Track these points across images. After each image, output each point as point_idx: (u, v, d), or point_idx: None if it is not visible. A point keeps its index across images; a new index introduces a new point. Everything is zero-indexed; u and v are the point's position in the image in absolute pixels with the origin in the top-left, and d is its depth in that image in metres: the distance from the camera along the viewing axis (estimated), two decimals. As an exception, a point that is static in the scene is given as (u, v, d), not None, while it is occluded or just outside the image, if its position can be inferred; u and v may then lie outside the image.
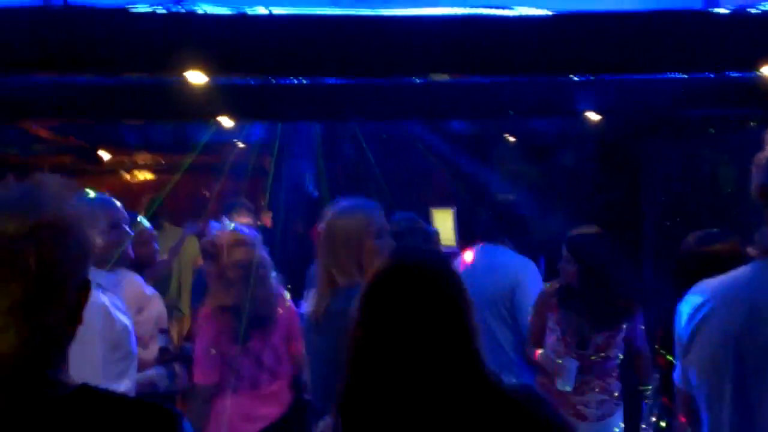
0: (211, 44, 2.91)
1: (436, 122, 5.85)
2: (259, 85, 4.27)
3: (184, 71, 2.99)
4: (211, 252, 3.57)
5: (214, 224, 3.70)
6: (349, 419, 1.50)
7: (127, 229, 3.34)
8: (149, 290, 3.70)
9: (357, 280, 2.55)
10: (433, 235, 4.24)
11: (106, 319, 2.69)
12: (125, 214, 3.34)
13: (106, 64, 2.93)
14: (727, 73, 3.20)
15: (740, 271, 1.65)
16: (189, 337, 4.30)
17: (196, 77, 3.11)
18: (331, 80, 4.37)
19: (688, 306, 1.70)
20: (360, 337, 1.51)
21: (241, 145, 6.85)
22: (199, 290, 4.23)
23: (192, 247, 5.83)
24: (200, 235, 4.63)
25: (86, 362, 2.56)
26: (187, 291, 5.99)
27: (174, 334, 5.06)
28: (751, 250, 1.82)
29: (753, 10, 2.70)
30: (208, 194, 6.97)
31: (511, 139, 6.40)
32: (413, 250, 1.83)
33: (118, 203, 3.32)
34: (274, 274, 3.63)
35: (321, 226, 2.84)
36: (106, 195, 3.38)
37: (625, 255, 4.18)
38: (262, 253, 3.59)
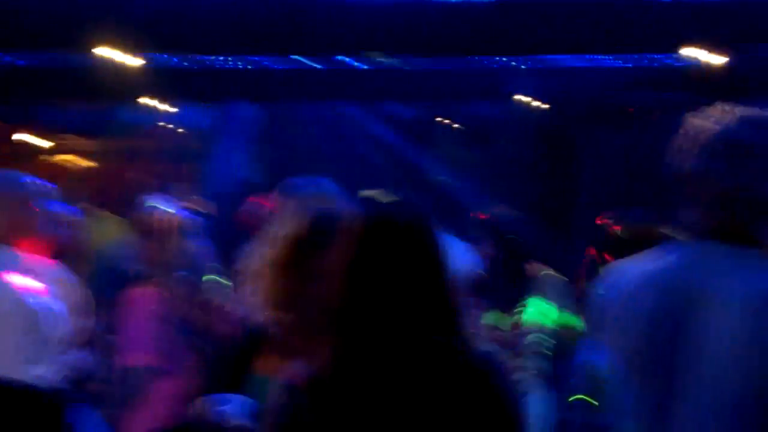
0: (128, 20, 2.79)
1: (375, 106, 5.80)
2: (192, 67, 4.15)
3: (95, 47, 2.85)
4: (143, 232, 3.46)
5: (151, 206, 3.58)
6: (330, 379, 1.48)
7: (43, 208, 3.17)
8: (65, 274, 3.54)
9: None
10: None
11: (13, 303, 2.57)
12: (35, 190, 3.15)
13: (17, 41, 2.79)
14: (650, 54, 3.23)
15: (664, 251, 1.63)
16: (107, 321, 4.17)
17: (115, 55, 2.98)
18: (267, 62, 4.29)
19: (606, 286, 1.68)
20: (347, 291, 1.50)
21: (173, 128, 6.66)
22: (108, 274, 4.09)
23: (106, 230, 5.57)
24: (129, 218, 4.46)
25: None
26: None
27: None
28: (670, 231, 1.82)
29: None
30: (138, 178, 6.77)
31: (452, 124, 6.39)
32: (397, 205, 1.79)
33: (29, 179, 3.14)
34: (214, 262, 3.56)
35: (279, 203, 2.75)
36: (13, 171, 3.19)
37: (558, 237, 4.22)
38: (202, 238, 3.52)
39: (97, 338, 3.54)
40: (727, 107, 1.58)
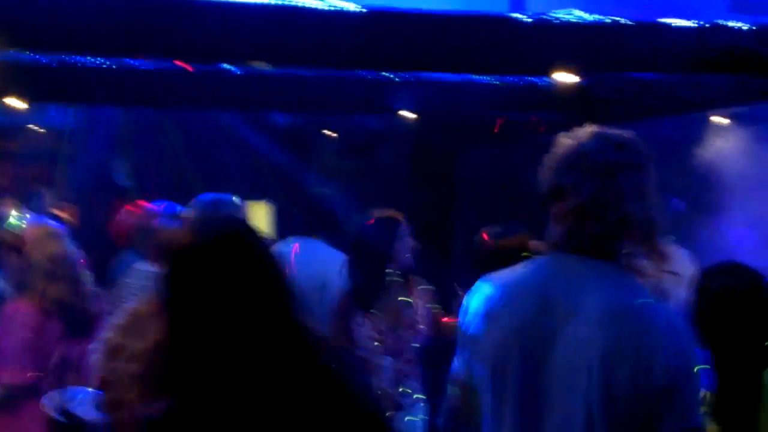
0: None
1: (252, 114, 5.71)
2: (55, 65, 3.92)
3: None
4: (13, 245, 3.30)
5: (15, 217, 3.43)
6: (165, 385, 1.38)
7: None
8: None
9: None
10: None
11: None
12: None
13: None
14: (526, 77, 3.35)
15: (529, 264, 1.68)
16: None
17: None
18: (137, 62, 4.11)
19: (475, 298, 1.71)
20: (171, 318, 1.39)
21: (37, 129, 6.29)
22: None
23: None
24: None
25: None
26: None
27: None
28: (537, 245, 1.89)
29: (552, 18, 2.85)
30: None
31: (330, 134, 6.40)
32: (215, 222, 1.68)
33: None
34: (87, 271, 3.42)
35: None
36: None
37: (436, 251, 4.29)
38: (72, 247, 3.39)
39: None
40: (591, 128, 1.66)
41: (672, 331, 1.50)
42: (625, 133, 1.65)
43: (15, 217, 3.33)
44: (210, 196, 2.71)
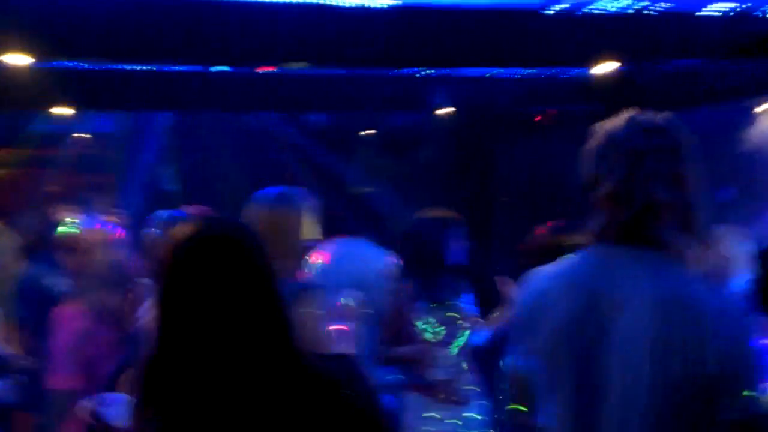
0: (34, 24, 2.68)
1: (293, 114, 5.77)
2: (98, 72, 4.02)
3: (4, 54, 2.74)
4: (70, 249, 3.31)
5: (73, 221, 3.45)
6: (152, 396, 1.40)
7: None
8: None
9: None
10: None
11: None
12: None
13: None
14: (564, 69, 3.33)
15: (576, 258, 1.68)
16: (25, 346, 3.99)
17: (19, 60, 2.86)
18: (179, 68, 4.20)
19: (526, 291, 1.71)
20: (164, 312, 1.41)
21: (84, 136, 6.45)
22: (28, 296, 3.91)
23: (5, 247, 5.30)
24: (30, 231, 4.29)
25: None
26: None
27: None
28: (579, 238, 1.87)
29: (584, 10, 2.83)
30: (45, 189, 6.51)
31: (369, 133, 6.42)
32: (215, 220, 1.70)
33: None
34: (145, 280, 3.42)
35: (253, 217, 2.64)
36: None
37: (475, 244, 4.28)
38: (131, 253, 3.37)
39: (19, 362, 3.37)
40: (626, 114, 1.65)
41: (724, 317, 1.48)
42: (660, 118, 1.62)
43: (69, 223, 3.35)
44: (274, 190, 2.69)
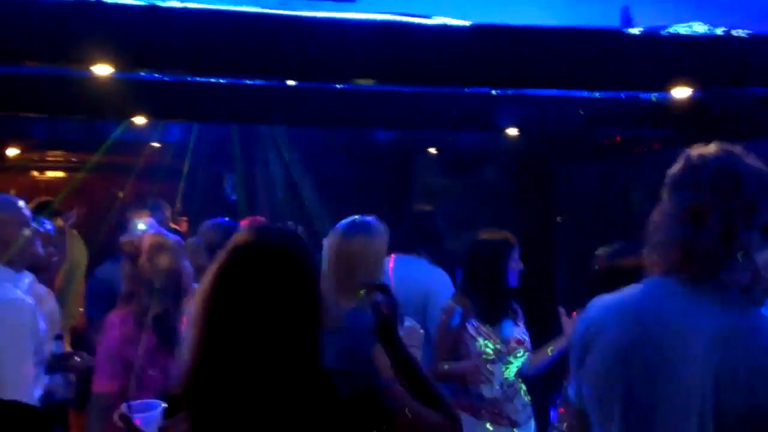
0: (118, 36, 2.78)
1: (357, 130, 5.82)
2: (174, 83, 4.14)
3: (91, 64, 2.85)
4: (130, 253, 3.37)
5: (139, 227, 3.51)
6: (193, 399, 1.43)
7: (35, 229, 3.15)
8: (44, 292, 3.50)
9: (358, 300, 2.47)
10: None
11: (33, 321, 2.54)
12: (28, 213, 3.15)
13: (5, 52, 2.77)
14: (639, 92, 3.28)
15: (633, 288, 1.67)
16: (79, 345, 4.09)
17: (103, 70, 2.97)
18: (249, 81, 4.29)
19: (582, 321, 1.71)
20: (212, 313, 1.45)
21: (156, 145, 6.65)
22: (96, 296, 4.02)
23: (79, 249, 5.49)
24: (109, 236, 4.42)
25: (16, 362, 2.42)
26: (73, 295, 5.64)
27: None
28: (638, 262, 1.85)
29: (664, 32, 2.78)
30: (119, 195, 6.71)
31: (432, 151, 6.43)
32: (270, 229, 1.73)
33: (22, 203, 3.14)
34: (196, 285, 3.45)
35: (335, 244, 2.72)
36: (10, 194, 3.20)
37: (536, 266, 4.23)
38: (185, 261, 3.40)
39: (73, 360, 3.46)
40: (715, 145, 1.62)
41: None
42: (738, 152, 1.61)
43: (139, 228, 3.42)
44: (351, 220, 2.76)
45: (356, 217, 2.82)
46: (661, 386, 1.53)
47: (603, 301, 1.70)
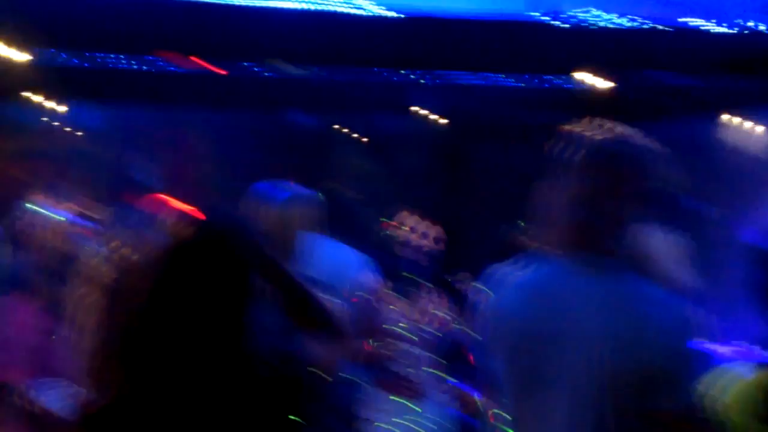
0: (18, 15, 2.66)
1: (275, 114, 5.76)
2: (84, 65, 3.99)
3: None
4: (23, 238, 3.22)
5: (33, 210, 3.35)
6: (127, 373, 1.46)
7: None
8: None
9: None
10: None
11: None
12: None
13: None
14: (545, 77, 3.38)
15: (533, 265, 1.72)
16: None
17: (15, 54, 2.84)
18: (165, 65, 4.18)
19: (486, 299, 1.76)
20: (152, 294, 1.46)
21: (69, 129, 6.37)
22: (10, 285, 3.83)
23: None
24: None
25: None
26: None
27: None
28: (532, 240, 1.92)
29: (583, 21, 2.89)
30: (23, 179, 6.40)
31: (347, 132, 6.44)
32: (218, 214, 1.73)
33: None
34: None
35: (266, 213, 2.65)
36: None
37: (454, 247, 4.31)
38: (88, 244, 3.27)
39: None
40: (595, 123, 1.69)
41: (667, 316, 1.58)
42: (625, 130, 1.67)
43: (35, 209, 3.23)
44: (284, 189, 2.73)
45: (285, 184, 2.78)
46: (562, 356, 1.62)
47: (506, 278, 1.74)
